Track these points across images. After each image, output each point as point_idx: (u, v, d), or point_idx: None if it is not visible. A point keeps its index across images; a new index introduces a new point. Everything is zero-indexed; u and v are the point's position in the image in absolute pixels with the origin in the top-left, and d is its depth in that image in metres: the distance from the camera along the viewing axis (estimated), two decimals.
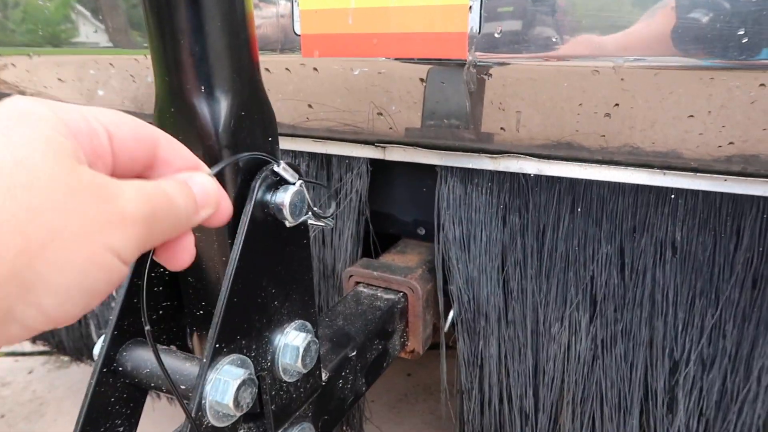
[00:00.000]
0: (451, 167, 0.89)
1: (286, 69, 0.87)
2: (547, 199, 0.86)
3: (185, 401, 0.53)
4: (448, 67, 0.77)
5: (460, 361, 0.97)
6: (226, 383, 0.52)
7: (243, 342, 0.56)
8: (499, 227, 0.90)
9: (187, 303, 0.62)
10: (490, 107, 0.78)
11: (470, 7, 0.72)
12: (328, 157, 1.01)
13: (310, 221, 0.61)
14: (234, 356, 0.55)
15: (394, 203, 1.06)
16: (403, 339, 0.95)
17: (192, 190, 0.43)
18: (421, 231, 1.06)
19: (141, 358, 0.58)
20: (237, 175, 0.55)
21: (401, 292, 0.94)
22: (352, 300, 0.92)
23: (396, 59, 0.80)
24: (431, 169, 0.92)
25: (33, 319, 0.33)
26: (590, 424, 0.91)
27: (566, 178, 0.83)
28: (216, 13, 0.51)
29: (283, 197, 0.56)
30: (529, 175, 0.84)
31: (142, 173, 0.42)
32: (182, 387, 0.55)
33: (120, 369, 0.58)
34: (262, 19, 0.86)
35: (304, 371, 0.63)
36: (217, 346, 0.53)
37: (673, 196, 0.79)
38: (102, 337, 0.59)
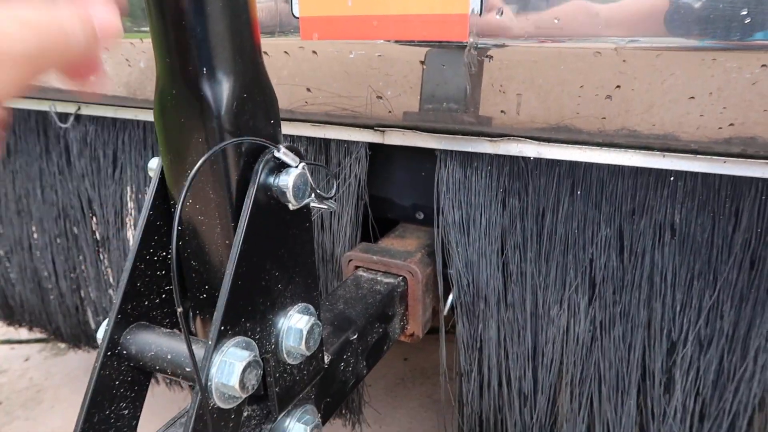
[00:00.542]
0: (451, 151, 0.89)
1: (285, 52, 0.87)
2: (547, 183, 0.86)
3: (189, 383, 0.53)
4: (448, 49, 0.77)
5: (459, 344, 0.98)
6: (231, 365, 0.52)
7: (247, 325, 0.56)
8: (498, 211, 0.90)
9: (190, 286, 0.62)
10: (491, 90, 0.78)
11: None
12: (326, 142, 1.00)
13: (312, 204, 0.61)
14: (239, 338, 0.55)
15: (393, 188, 1.06)
16: (402, 322, 0.95)
17: (92, 22, 0.40)
18: (420, 215, 1.06)
19: (145, 341, 0.58)
20: (239, 158, 0.55)
21: (401, 276, 0.94)
22: (352, 284, 0.93)
23: (395, 42, 0.79)
24: (430, 153, 0.91)
25: None
26: (588, 404, 0.92)
27: (566, 161, 0.83)
28: None
29: (287, 180, 0.56)
30: (529, 158, 0.84)
31: None
32: (187, 369, 0.55)
33: (124, 352, 0.58)
34: (260, 2, 0.85)
35: (308, 353, 0.63)
36: (222, 328, 0.53)
37: (672, 179, 0.80)
38: (105, 321, 0.59)
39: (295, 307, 0.63)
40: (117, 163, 1.21)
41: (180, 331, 0.64)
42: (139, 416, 0.61)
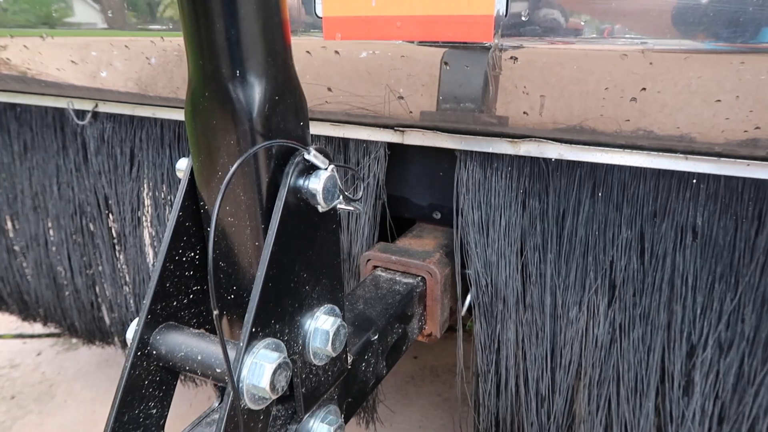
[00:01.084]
0: (471, 152, 0.89)
1: (307, 52, 0.87)
2: (568, 184, 0.86)
3: (219, 384, 0.53)
4: (471, 50, 0.77)
5: (476, 345, 0.98)
6: (262, 367, 0.52)
7: (277, 326, 0.57)
8: (518, 212, 0.90)
9: (218, 287, 0.63)
10: (514, 91, 0.78)
11: None
12: (345, 141, 1.01)
13: (339, 205, 0.61)
14: (268, 340, 0.55)
15: (411, 187, 1.06)
16: (421, 323, 0.95)
17: None
18: (437, 215, 1.07)
19: (175, 341, 0.58)
20: (270, 160, 0.55)
21: (420, 276, 0.94)
22: (371, 284, 0.93)
23: (418, 43, 0.79)
24: (448, 153, 0.91)
25: None
26: (606, 406, 0.92)
27: (587, 163, 0.83)
28: None
29: (317, 183, 0.56)
30: (550, 159, 0.84)
31: None
32: (218, 371, 0.55)
33: (154, 353, 0.58)
34: None
35: (334, 355, 0.63)
36: (253, 330, 0.53)
37: (695, 181, 0.79)
38: (135, 321, 0.59)
39: (322, 308, 0.63)
40: (134, 160, 1.22)
41: (207, 330, 0.65)
42: (166, 415, 0.62)
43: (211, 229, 0.49)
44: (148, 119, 1.16)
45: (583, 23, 0.69)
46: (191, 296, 0.62)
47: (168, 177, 1.19)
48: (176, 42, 0.97)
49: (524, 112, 0.79)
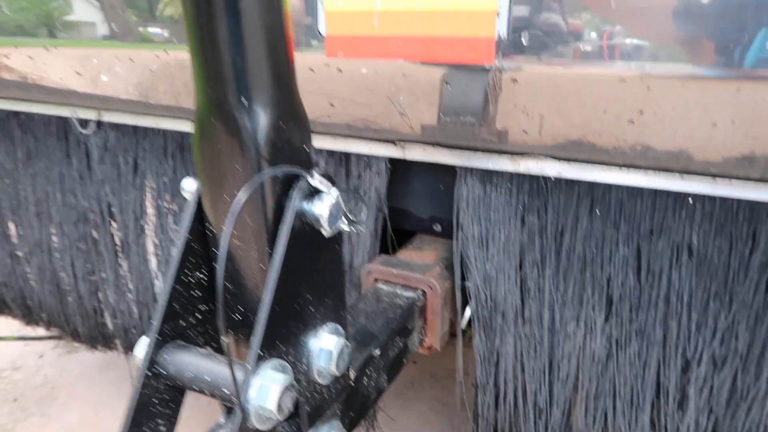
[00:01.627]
0: (471, 168, 0.91)
1: (310, 69, 0.88)
2: (566, 201, 0.88)
3: (226, 403, 0.55)
4: (472, 71, 0.78)
5: (476, 357, 0.99)
6: (269, 389, 0.54)
7: (282, 347, 0.58)
8: (517, 227, 0.91)
9: (225, 308, 0.64)
10: (514, 110, 0.80)
11: (498, 13, 0.72)
12: (346, 155, 1.02)
13: (342, 226, 0.63)
14: (275, 361, 0.57)
15: (411, 200, 1.07)
16: (421, 335, 0.97)
17: None
18: (437, 227, 1.08)
19: (183, 361, 0.60)
20: (275, 185, 0.57)
21: (420, 289, 0.96)
22: (373, 297, 0.94)
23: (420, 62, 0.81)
24: (449, 168, 0.93)
25: None
26: (603, 419, 0.93)
27: (585, 182, 0.85)
28: (256, 24, 0.52)
29: (321, 208, 0.57)
30: (549, 177, 0.85)
31: None
32: (225, 391, 0.57)
33: (163, 372, 0.60)
34: None
35: (337, 374, 0.65)
36: (260, 352, 0.55)
37: (690, 200, 0.81)
38: (142, 339, 0.61)
39: (325, 327, 0.65)
40: (138, 170, 1.23)
41: (213, 348, 0.66)
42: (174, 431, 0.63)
43: (222, 256, 0.51)
44: (152, 129, 1.18)
45: (582, 47, 0.71)
46: (198, 315, 0.64)
47: (171, 186, 1.21)
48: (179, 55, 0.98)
49: (524, 131, 0.81)
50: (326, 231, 0.59)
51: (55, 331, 1.67)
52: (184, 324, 0.63)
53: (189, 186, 0.63)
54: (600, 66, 0.72)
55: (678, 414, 0.89)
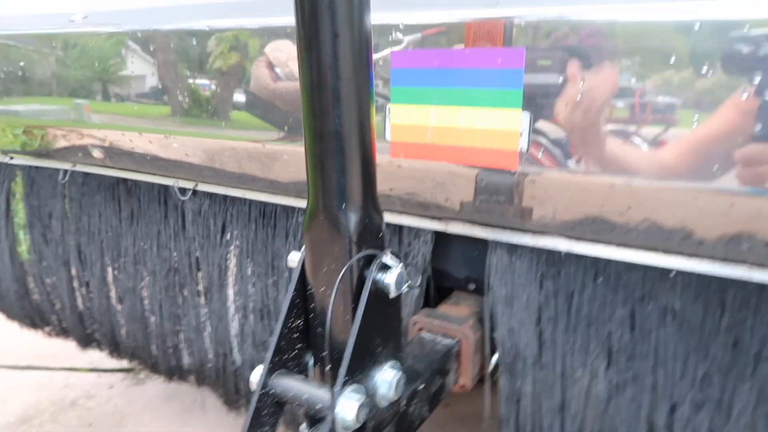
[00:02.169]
0: (500, 241, 1.14)
1: (378, 165, 1.14)
2: (575, 270, 1.10)
3: (318, 415, 0.78)
4: (501, 173, 1.03)
5: (501, 396, 1.21)
6: (351, 405, 0.77)
7: (359, 376, 0.82)
8: (536, 290, 1.14)
9: (313, 344, 0.88)
10: (532, 201, 1.03)
11: (521, 133, 0.97)
12: (400, 227, 1.27)
13: (403, 289, 0.87)
14: (354, 386, 0.80)
15: (451, 264, 1.31)
16: (456, 376, 1.19)
17: None
18: (472, 286, 1.31)
19: (286, 385, 0.84)
20: (359, 263, 0.81)
21: (456, 338, 1.18)
22: (418, 343, 1.17)
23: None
24: (482, 240, 1.17)
25: None
26: None
27: (590, 256, 1.07)
28: (355, 156, 0.78)
29: (390, 278, 0.82)
30: (561, 251, 1.08)
31: None
32: (317, 407, 0.80)
33: (272, 391, 0.84)
34: None
35: (394, 399, 0.88)
36: (345, 379, 0.78)
37: (672, 274, 1.03)
38: (257, 369, 0.85)
39: (388, 363, 0.88)
40: (225, 231, 1.50)
41: (305, 375, 0.90)
42: None
43: (328, 318, 0.75)
44: (239, 199, 1.45)
45: (582, 161, 0.95)
46: (296, 351, 0.88)
47: (251, 247, 1.47)
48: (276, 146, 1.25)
49: (541, 216, 1.04)
50: (393, 293, 0.83)
51: (125, 362, 1.92)
52: (286, 357, 0.87)
53: (293, 257, 0.88)
54: (597, 175, 0.95)
55: None
